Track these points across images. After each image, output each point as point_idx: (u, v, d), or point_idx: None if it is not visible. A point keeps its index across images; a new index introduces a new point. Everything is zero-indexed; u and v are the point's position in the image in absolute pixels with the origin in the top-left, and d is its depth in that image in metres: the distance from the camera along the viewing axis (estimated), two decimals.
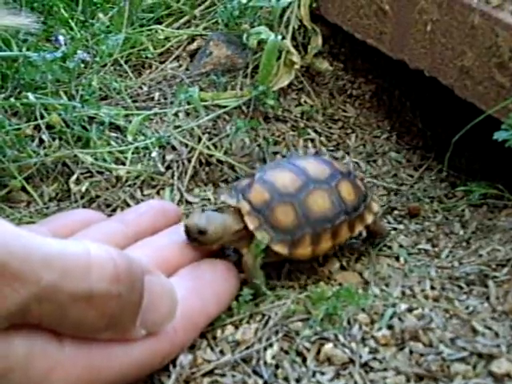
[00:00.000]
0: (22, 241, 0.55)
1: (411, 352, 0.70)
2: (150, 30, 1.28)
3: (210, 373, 0.69)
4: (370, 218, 0.85)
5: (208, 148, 1.01)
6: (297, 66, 1.11)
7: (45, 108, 1.02)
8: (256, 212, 0.78)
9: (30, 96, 0.98)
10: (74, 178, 0.96)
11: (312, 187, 0.80)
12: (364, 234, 0.90)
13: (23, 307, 0.55)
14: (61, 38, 1.15)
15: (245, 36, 1.11)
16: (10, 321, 0.55)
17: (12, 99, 1.00)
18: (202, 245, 0.78)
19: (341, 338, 0.72)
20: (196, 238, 0.77)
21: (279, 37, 1.06)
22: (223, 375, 0.69)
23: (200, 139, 1.02)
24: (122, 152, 0.99)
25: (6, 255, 0.53)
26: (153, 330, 0.65)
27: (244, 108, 1.08)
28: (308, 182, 0.80)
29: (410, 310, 0.75)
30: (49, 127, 1.01)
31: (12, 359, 0.56)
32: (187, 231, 0.77)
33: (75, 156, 0.97)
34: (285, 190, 0.79)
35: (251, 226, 0.78)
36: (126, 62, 1.21)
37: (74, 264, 0.57)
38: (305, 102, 1.14)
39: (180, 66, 1.21)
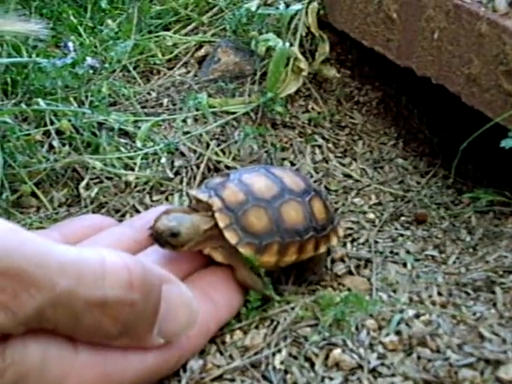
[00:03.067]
0: (38, 247, 0.56)
1: (419, 358, 0.70)
2: (158, 36, 1.29)
3: (220, 378, 0.70)
4: (334, 240, 0.83)
5: (216, 154, 1.02)
6: (304, 73, 1.12)
7: (54, 114, 1.02)
8: (228, 210, 0.77)
9: (41, 102, 0.99)
10: (83, 183, 0.96)
11: (287, 197, 0.79)
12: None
13: (39, 312, 0.55)
14: (70, 44, 1.16)
15: (253, 43, 1.12)
16: (27, 326, 0.56)
17: (22, 105, 1.00)
18: (173, 248, 0.76)
19: (349, 343, 0.72)
20: (168, 242, 0.75)
21: (287, 44, 1.06)
22: (232, 380, 0.70)
23: (208, 145, 1.02)
24: (131, 158, 0.99)
25: (23, 261, 0.54)
26: (171, 340, 0.66)
27: (252, 114, 1.09)
28: (284, 191, 0.79)
29: (417, 316, 0.75)
30: (59, 133, 1.02)
31: (28, 364, 0.57)
32: (158, 235, 0.75)
33: (84, 162, 0.98)
34: (260, 194, 0.78)
35: (221, 224, 0.76)
36: (134, 68, 1.22)
37: (89, 271, 0.58)
38: (312, 108, 1.14)
39: (188, 72, 1.22)
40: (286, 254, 0.78)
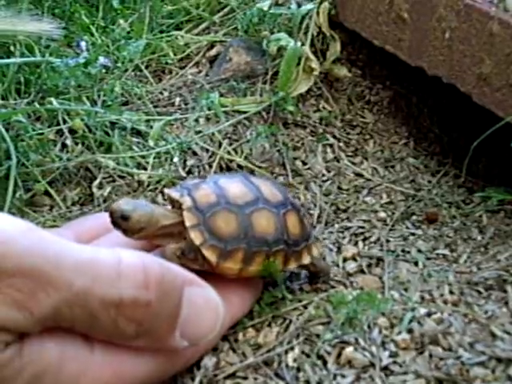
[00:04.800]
0: (55, 247, 0.57)
1: (431, 356, 0.70)
2: (169, 35, 1.29)
3: (233, 375, 0.70)
4: (306, 259, 0.81)
5: (228, 153, 1.02)
6: (316, 73, 1.12)
7: (67, 113, 1.03)
8: (197, 211, 0.75)
9: (53, 101, 0.99)
10: (96, 182, 0.97)
11: (260, 206, 0.77)
12: (306, 273, 0.86)
13: (55, 311, 0.56)
14: (82, 44, 1.16)
15: (264, 43, 1.13)
16: (44, 324, 0.57)
17: (36, 104, 1.01)
18: (125, 233, 0.75)
19: (361, 341, 0.73)
20: (119, 224, 0.74)
21: (299, 43, 1.07)
22: (245, 378, 0.70)
23: (220, 144, 1.03)
24: (143, 157, 1.00)
25: (40, 260, 0.55)
26: (196, 343, 0.66)
27: (264, 114, 1.09)
28: (258, 200, 0.77)
29: (429, 315, 0.76)
30: (71, 132, 1.02)
31: (45, 363, 0.58)
32: (111, 214, 0.74)
33: (97, 160, 0.99)
34: (233, 199, 0.76)
35: (188, 223, 0.74)
36: (146, 68, 1.23)
37: (105, 270, 0.59)
38: (323, 107, 1.15)
39: (200, 71, 1.23)
40: (252, 263, 0.76)
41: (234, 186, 0.78)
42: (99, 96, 1.09)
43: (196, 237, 0.74)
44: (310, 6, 1.12)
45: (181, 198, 0.76)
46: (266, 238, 0.76)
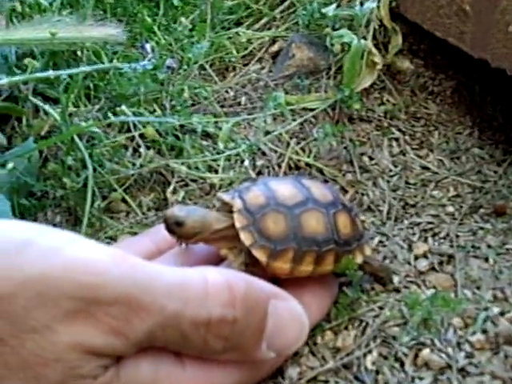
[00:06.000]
0: (146, 273, 0.60)
1: (506, 356, 0.72)
2: (231, 32, 1.31)
3: (314, 379, 0.73)
4: (359, 259, 0.81)
5: (296, 153, 1.04)
6: (379, 67, 1.13)
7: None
8: (247, 212, 0.77)
9: (125, 109, 1.02)
10: (170, 188, 1.00)
11: (310, 206, 0.78)
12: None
13: (149, 335, 0.60)
14: (147, 46, 1.18)
15: (328, 40, 1.14)
16: (138, 347, 0.61)
17: (109, 114, 1.02)
18: (179, 238, 0.78)
19: (437, 342, 0.75)
20: (173, 230, 0.77)
21: (362, 41, 1.08)
22: (326, 382, 0.73)
23: (288, 144, 1.05)
24: (214, 160, 1.02)
25: (132, 287, 0.59)
26: (282, 353, 0.70)
27: (329, 110, 1.11)
28: (308, 200, 0.79)
29: (502, 314, 0.77)
30: (142, 136, 1.05)
31: (140, 382, 0.61)
32: (165, 221, 0.77)
33: (169, 165, 1.01)
34: (282, 200, 0.78)
35: (238, 225, 0.76)
36: (210, 66, 1.25)
37: (193, 292, 0.62)
38: (387, 100, 1.16)
39: (263, 68, 1.24)
40: (302, 262, 0.77)
41: (284, 188, 0.80)
42: (167, 98, 1.11)
43: (246, 238, 0.76)
44: (372, 3, 1.12)
45: (231, 201, 0.78)
46: (315, 238, 0.78)
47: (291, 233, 0.77)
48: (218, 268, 0.68)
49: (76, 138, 0.98)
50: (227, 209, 0.79)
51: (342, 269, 0.79)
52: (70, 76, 1.04)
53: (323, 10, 1.13)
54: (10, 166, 0.87)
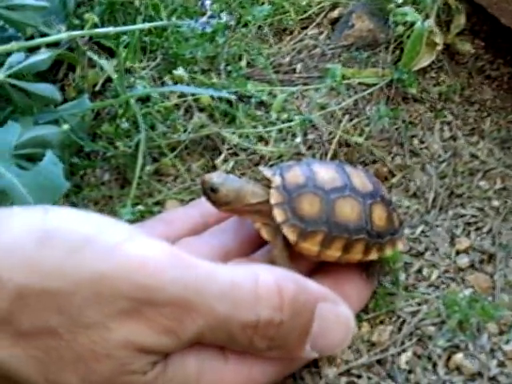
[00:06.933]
0: (194, 273, 0.62)
1: None
2: None
3: (347, 372, 0.75)
4: (389, 251, 0.82)
5: (347, 132, 1.03)
6: (439, 48, 1.12)
7: (193, 82, 1.06)
8: (284, 190, 0.78)
9: (181, 73, 1.02)
10: (221, 157, 1.00)
11: (347, 193, 0.79)
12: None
13: (199, 335, 0.62)
14: (207, 2, 1.17)
15: (391, 17, 1.12)
16: (187, 345, 0.63)
17: (164, 74, 1.03)
18: (213, 204, 0.80)
19: (471, 347, 0.76)
20: (208, 195, 0.79)
21: (425, 23, 1.06)
22: (359, 376, 0.74)
23: (340, 121, 1.05)
24: (266, 131, 1.03)
25: (186, 289, 0.60)
26: (326, 354, 0.73)
27: (385, 88, 1.10)
28: (346, 187, 0.80)
29: None
30: (195, 99, 1.05)
31: (186, 376, 0.64)
32: (201, 185, 0.80)
33: (220, 133, 1.02)
34: (321, 183, 0.79)
35: (273, 201, 0.78)
36: (267, 26, 1.24)
37: (244, 294, 0.63)
38: (443, 81, 1.14)
39: (321, 33, 1.23)
40: (330, 247, 0.78)
41: (325, 172, 0.81)
42: (223, 64, 1.11)
43: (279, 214, 0.77)
44: None
45: (271, 177, 0.80)
46: (347, 225, 0.78)
47: (324, 216, 0.78)
48: (268, 267, 0.69)
49: (131, 100, 0.98)
50: (266, 183, 0.81)
51: (386, 260, 0.81)
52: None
53: None
54: (65, 126, 0.88)
